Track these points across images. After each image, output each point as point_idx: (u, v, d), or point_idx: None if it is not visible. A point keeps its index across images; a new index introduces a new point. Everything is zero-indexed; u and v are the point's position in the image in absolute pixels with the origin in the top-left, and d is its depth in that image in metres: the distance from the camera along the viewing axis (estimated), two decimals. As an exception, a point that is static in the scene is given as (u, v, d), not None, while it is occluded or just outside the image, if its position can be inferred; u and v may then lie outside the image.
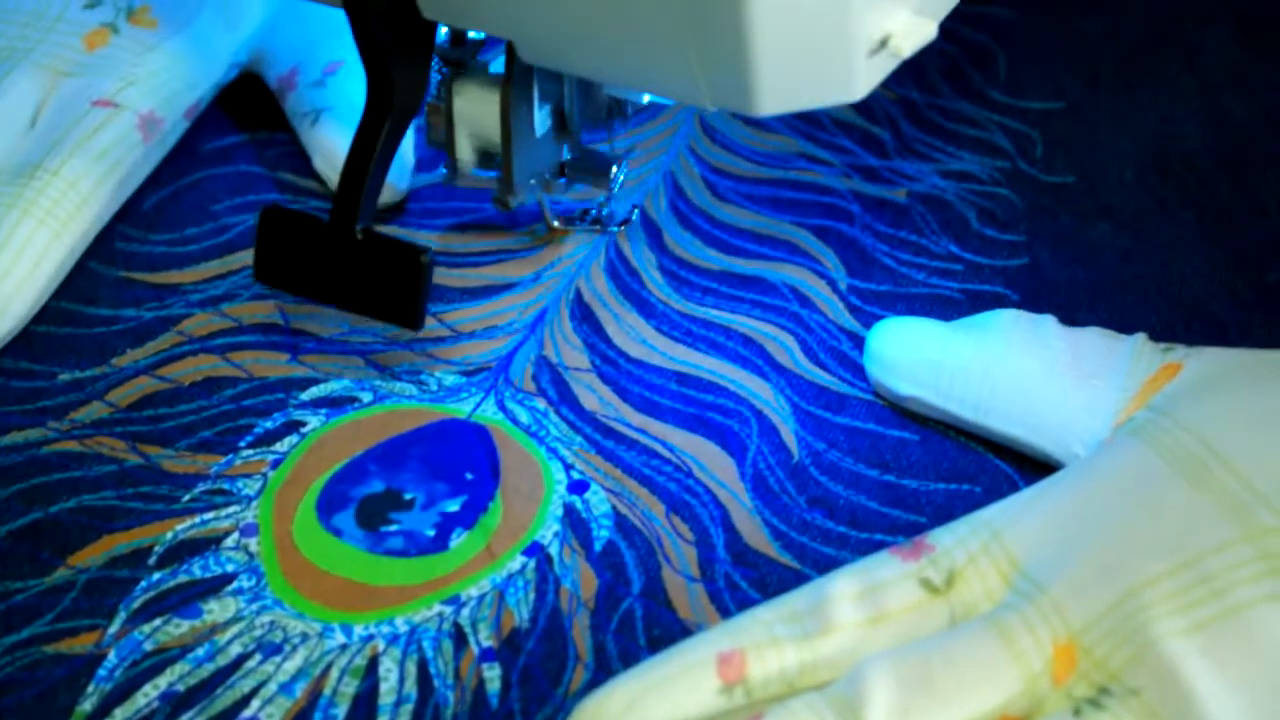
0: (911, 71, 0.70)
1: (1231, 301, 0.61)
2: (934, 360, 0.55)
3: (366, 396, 0.57)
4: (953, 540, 0.49)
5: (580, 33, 0.50)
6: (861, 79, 0.49)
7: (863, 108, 0.68)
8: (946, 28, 0.71)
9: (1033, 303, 0.61)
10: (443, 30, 0.58)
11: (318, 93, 0.63)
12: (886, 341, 0.56)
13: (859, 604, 0.47)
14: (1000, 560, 0.48)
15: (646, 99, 0.60)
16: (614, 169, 0.61)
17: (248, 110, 0.68)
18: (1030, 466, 0.54)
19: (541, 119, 0.59)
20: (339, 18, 0.65)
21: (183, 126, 0.64)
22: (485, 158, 0.59)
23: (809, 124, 0.68)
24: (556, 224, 0.63)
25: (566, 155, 0.61)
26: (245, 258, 0.61)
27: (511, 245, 0.63)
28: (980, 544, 0.48)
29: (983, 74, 0.70)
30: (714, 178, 0.66)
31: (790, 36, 0.47)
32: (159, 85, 0.62)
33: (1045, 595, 0.47)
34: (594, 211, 0.64)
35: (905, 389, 0.56)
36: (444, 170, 0.60)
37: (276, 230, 0.56)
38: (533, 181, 0.60)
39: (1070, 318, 0.60)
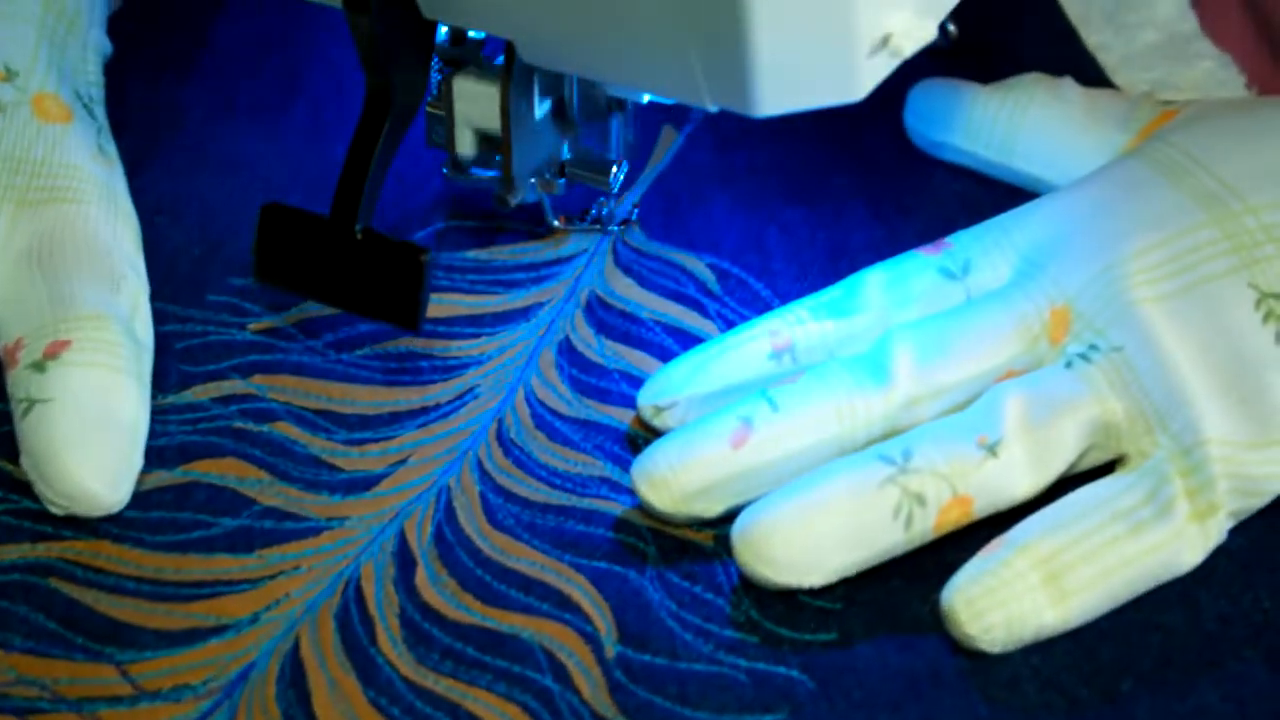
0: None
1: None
2: (966, 109, 0.66)
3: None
4: (970, 238, 0.60)
5: (580, 33, 0.51)
6: (862, 79, 0.50)
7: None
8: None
9: (825, 695, 0.52)
10: (443, 30, 0.59)
11: (35, 379, 0.54)
12: (925, 96, 0.68)
13: (888, 288, 0.58)
14: (1009, 251, 0.59)
15: (647, 98, 0.60)
16: (614, 169, 0.62)
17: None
18: None
19: (542, 114, 0.60)
20: (86, 277, 0.57)
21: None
22: (485, 154, 0.60)
23: (622, 445, 0.59)
24: (557, 223, 0.65)
25: (566, 155, 0.62)
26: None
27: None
28: (993, 239, 0.59)
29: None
30: (495, 499, 0.57)
31: (790, 35, 0.48)
32: None
33: (1043, 272, 0.57)
34: (594, 211, 0.65)
35: (938, 135, 0.67)
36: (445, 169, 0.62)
37: (277, 228, 0.55)
38: (533, 180, 0.61)
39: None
